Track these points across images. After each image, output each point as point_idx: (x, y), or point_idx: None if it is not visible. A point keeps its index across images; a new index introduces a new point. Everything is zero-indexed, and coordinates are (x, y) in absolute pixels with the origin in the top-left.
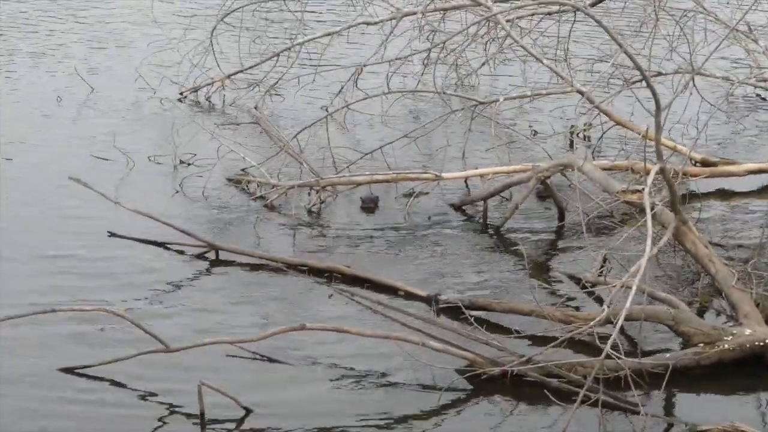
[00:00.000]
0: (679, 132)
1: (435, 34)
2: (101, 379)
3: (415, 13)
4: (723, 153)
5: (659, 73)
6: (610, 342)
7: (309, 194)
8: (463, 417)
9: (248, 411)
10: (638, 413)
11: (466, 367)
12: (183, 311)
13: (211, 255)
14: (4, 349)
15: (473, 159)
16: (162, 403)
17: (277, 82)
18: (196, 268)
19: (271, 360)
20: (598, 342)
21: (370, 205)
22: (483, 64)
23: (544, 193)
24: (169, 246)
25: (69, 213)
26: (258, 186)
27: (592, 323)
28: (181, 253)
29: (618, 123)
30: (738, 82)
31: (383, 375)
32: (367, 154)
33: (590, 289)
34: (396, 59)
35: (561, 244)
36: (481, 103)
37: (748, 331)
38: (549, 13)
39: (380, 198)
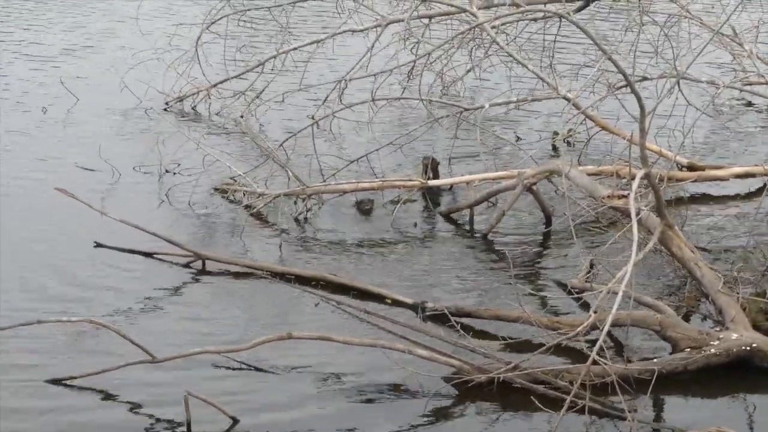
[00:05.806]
0: (666, 137)
1: (419, 44)
2: (88, 390)
3: (401, 20)
4: (710, 157)
5: (644, 78)
6: (596, 348)
7: (295, 202)
8: (450, 424)
9: (235, 420)
10: (625, 419)
11: (453, 374)
12: (169, 321)
13: (198, 264)
14: None
15: (459, 166)
16: (149, 413)
17: (263, 91)
18: (183, 278)
19: (257, 369)
20: (584, 348)
21: (366, 207)
22: (469, 71)
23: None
24: (155, 256)
25: (55, 224)
26: (244, 195)
27: (578, 329)
28: (168, 262)
29: (604, 128)
30: (723, 86)
31: (370, 383)
32: (353, 161)
33: (577, 295)
34: (381, 72)
35: (547, 250)
36: (467, 109)
37: (734, 336)
38: (534, 20)
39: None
